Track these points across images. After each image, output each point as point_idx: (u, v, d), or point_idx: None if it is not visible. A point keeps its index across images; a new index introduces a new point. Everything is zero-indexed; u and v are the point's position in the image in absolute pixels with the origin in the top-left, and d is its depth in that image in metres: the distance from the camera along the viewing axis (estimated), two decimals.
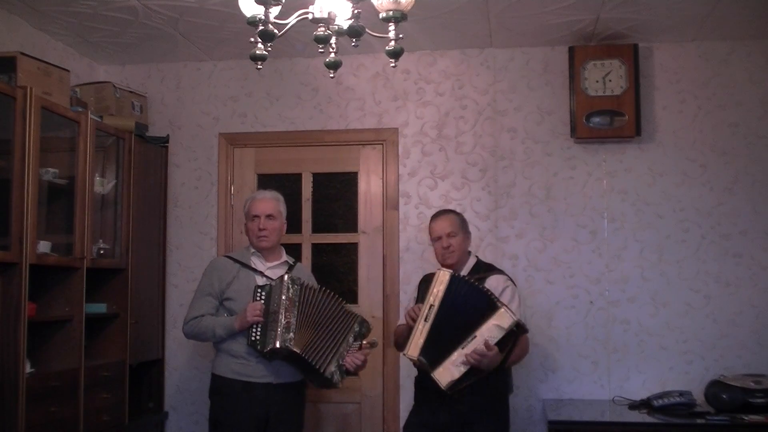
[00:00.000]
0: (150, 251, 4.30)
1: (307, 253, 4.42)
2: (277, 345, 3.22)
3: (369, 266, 4.36)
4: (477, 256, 3.60)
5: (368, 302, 4.31)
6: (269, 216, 3.50)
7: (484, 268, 3.50)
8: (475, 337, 3.09)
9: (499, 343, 3.08)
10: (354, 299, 4.35)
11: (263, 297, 3.34)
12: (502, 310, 3.10)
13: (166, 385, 4.43)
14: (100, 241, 3.84)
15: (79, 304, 3.58)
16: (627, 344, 4.10)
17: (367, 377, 4.29)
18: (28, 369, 3.18)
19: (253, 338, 3.30)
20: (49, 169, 3.47)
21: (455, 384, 3.11)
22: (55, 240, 3.48)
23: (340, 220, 4.45)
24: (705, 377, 3.90)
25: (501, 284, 3.36)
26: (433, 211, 4.15)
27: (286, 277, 3.35)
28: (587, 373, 4.12)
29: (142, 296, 4.15)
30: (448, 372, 3.10)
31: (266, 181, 4.50)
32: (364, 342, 3.46)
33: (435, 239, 3.49)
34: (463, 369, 3.09)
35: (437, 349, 3.14)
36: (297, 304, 3.31)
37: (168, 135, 4.52)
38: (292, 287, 3.32)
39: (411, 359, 3.22)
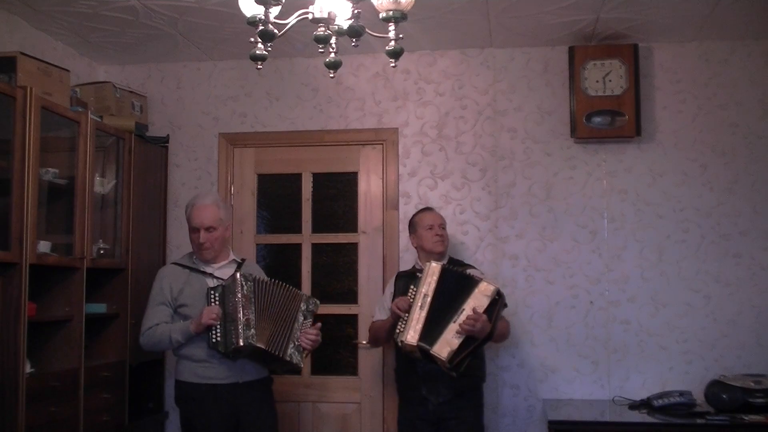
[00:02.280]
0: (150, 251, 4.30)
1: (307, 253, 4.42)
2: (241, 343, 3.22)
3: (369, 266, 4.36)
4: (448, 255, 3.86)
5: (368, 302, 4.31)
6: (209, 228, 3.44)
7: (460, 263, 3.78)
8: (464, 310, 3.33)
9: (485, 311, 3.31)
10: (354, 299, 4.36)
11: (217, 298, 3.34)
12: (483, 282, 3.40)
13: (166, 385, 4.42)
14: (100, 241, 3.84)
15: (79, 304, 3.58)
16: (627, 344, 4.10)
17: (367, 377, 4.30)
18: (28, 369, 3.18)
19: (214, 340, 3.29)
20: (49, 169, 3.47)
21: (455, 354, 3.28)
22: (55, 240, 3.48)
23: (340, 220, 4.45)
24: (705, 377, 3.90)
25: (477, 275, 3.56)
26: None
27: (238, 275, 3.33)
28: (587, 373, 4.12)
29: (142, 296, 4.13)
30: (446, 344, 3.29)
31: (266, 181, 4.51)
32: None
33: (427, 228, 3.77)
34: (458, 340, 3.29)
35: (432, 331, 3.34)
36: (253, 299, 3.32)
37: (168, 135, 4.52)
38: (245, 284, 3.32)
39: (410, 345, 3.34)
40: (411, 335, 3.33)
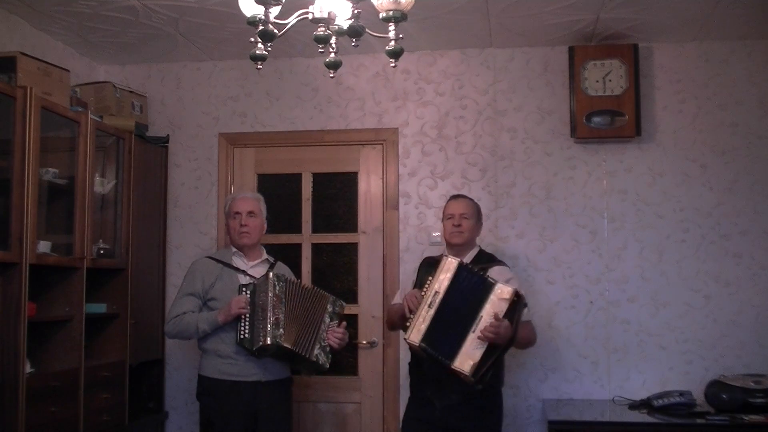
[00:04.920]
0: (150, 251, 4.30)
1: (307, 253, 4.42)
2: (268, 342, 3.24)
3: (369, 266, 4.36)
4: (479, 247, 3.60)
5: (368, 302, 4.31)
6: (250, 213, 3.54)
7: (486, 259, 3.53)
8: (481, 317, 3.10)
9: (505, 315, 3.10)
10: (354, 299, 4.35)
11: (248, 295, 3.37)
12: (499, 284, 3.15)
13: (166, 385, 4.43)
14: (100, 241, 3.84)
15: (79, 304, 3.58)
16: (627, 344, 4.10)
17: (367, 377, 4.30)
18: (28, 369, 3.18)
19: (241, 336, 3.32)
20: (49, 169, 3.47)
21: (478, 367, 3.07)
22: (55, 240, 3.48)
23: (340, 220, 4.45)
24: (705, 377, 3.90)
25: (505, 275, 3.37)
26: (434, 211, 4.15)
27: (271, 274, 3.37)
28: (587, 373, 4.12)
29: (142, 296, 4.15)
30: (468, 357, 3.08)
31: (266, 181, 4.51)
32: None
33: (447, 217, 3.52)
34: (480, 350, 3.08)
35: (445, 338, 3.13)
36: (284, 300, 3.34)
37: (168, 135, 4.52)
38: (278, 284, 3.34)
39: (412, 344, 3.19)
40: (414, 334, 3.15)
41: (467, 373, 3.07)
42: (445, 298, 3.17)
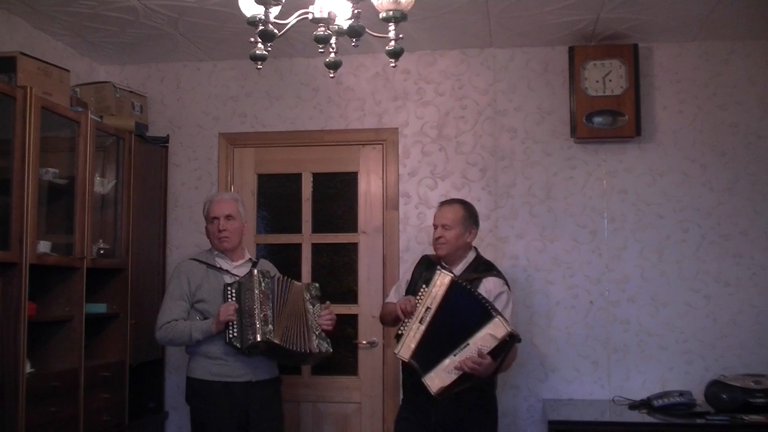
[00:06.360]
0: (150, 251, 4.30)
1: (307, 253, 4.42)
2: (258, 339, 3.22)
3: (369, 266, 4.36)
4: (477, 251, 3.53)
5: (368, 302, 4.31)
6: (228, 216, 3.49)
7: (482, 267, 3.44)
8: (468, 345, 3.03)
9: (491, 353, 3.01)
10: (354, 299, 4.36)
11: (234, 295, 3.35)
12: (497, 319, 3.03)
13: (166, 385, 4.43)
14: (100, 241, 3.84)
15: (79, 304, 3.58)
16: (627, 344, 4.11)
17: (367, 377, 4.30)
18: (28, 369, 3.18)
19: (230, 336, 3.29)
20: (49, 169, 3.47)
21: (445, 390, 3.07)
22: (55, 240, 3.48)
23: (340, 220, 4.45)
24: (705, 377, 3.90)
25: (497, 288, 3.31)
26: (434, 212, 4.14)
27: (255, 271, 3.35)
28: (587, 373, 4.12)
29: (142, 296, 4.15)
30: (439, 378, 3.07)
31: (266, 181, 4.51)
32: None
33: (433, 227, 3.48)
34: (454, 376, 3.04)
35: (429, 354, 3.11)
36: (271, 296, 3.33)
37: (168, 135, 4.52)
38: (263, 281, 3.34)
39: (402, 359, 3.20)
40: (404, 350, 3.14)
41: (433, 393, 3.07)
42: (435, 315, 3.13)
